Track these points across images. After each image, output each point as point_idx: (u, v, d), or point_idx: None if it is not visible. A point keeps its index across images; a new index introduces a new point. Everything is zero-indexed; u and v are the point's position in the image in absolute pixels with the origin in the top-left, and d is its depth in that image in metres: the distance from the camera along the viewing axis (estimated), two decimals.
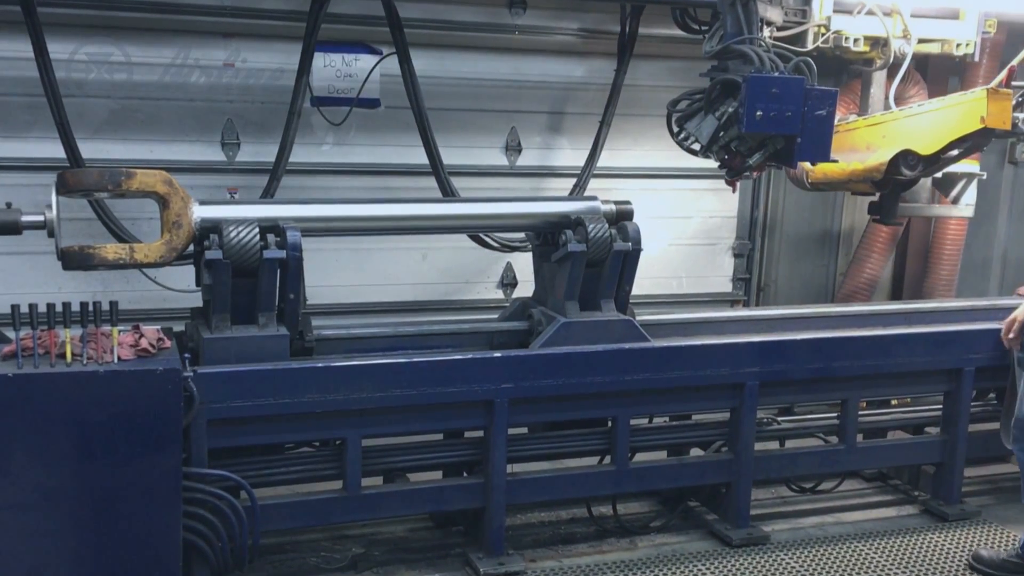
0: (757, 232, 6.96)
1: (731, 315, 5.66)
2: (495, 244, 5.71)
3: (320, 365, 4.20)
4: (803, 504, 5.46)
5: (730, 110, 4.52)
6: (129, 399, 3.72)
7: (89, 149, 5.12)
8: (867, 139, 5.65)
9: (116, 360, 3.74)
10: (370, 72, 5.72)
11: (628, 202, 4.86)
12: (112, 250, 4.03)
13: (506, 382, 4.41)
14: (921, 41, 5.75)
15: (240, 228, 4.07)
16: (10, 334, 3.76)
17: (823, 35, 5.48)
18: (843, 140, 5.72)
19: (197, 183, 5.25)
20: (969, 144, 5.36)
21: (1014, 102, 5.09)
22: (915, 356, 5.16)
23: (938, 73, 6.53)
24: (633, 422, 4.79)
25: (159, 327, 4.13)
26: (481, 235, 5.65)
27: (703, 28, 5.25)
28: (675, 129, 4.90)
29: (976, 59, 5.98)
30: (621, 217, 4.78)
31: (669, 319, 5.22)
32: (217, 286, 4.06)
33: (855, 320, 5.51)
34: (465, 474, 4.69)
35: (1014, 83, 5.14)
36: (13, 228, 3.94)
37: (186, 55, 5.47)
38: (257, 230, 4.09)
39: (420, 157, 5.50)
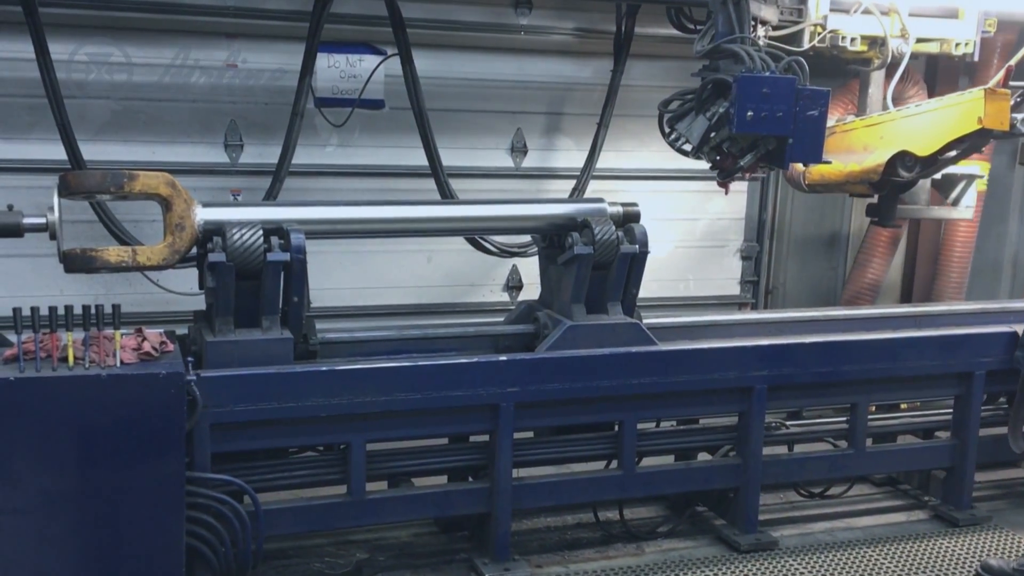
0: (765, 234, 6.93)
1: (739, 318, 5.65)
2: (494, 249, 5.68)
3: (324, 369, 4.18)
4: (812, 509, 5.43)
5: (721, 110, 4.46)
6: (132, 403, 3.69)
7: (91, 151, 5.11)
8: (864, 140, 5.61)
9: (118, 364, 3.72)
10: (372, 73, 5.69)
11: (635, 204, 4.83)
12: (114, 253, 4.01)
13: (512, 386, 4.38)
14: (919, 40, 5.71)
15: (244, 230, 4.05)
16: (12, 337, 3.73)
17: (819, 34, 5.44)
18: (840, 141, 5.69)
19: (200, 185, 5.25)
20: (967, 145, 5.29)
21: (1012, 102, 5.03)
22: (925, 360, 5.13)
23: (947, 74, 6.48)
24: (640, 426, 4.76)
25: (162, 330, 4.11)
26: (480, 240, 5.61)
27: (698, 27, 5.22)
28: (666, 130, 4.85)
29: (976, 58, 5.92)
30: (628, 219, 4.75)
31: (676, 322, 5.21)
32: (220, 289, 4.04)
33: (864, 323, 5.49)
34: (470, 479, 4.66)
35: (1012, 83, 5.08)
36: (14, 230, 3.92)
37: (188, 56, 5.45)
38: (261, 232, 4.08)
39: (425, 159, 5.48)
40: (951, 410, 5.40)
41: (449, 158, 5.69)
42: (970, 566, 4.79)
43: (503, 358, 4.46)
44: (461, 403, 4.34)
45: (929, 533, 5.17)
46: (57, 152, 4.95)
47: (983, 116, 4.96)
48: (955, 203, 6.29)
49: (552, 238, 4.81)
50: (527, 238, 5.74)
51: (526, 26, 5.90)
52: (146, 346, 3.85)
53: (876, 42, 5.61)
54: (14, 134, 5.24)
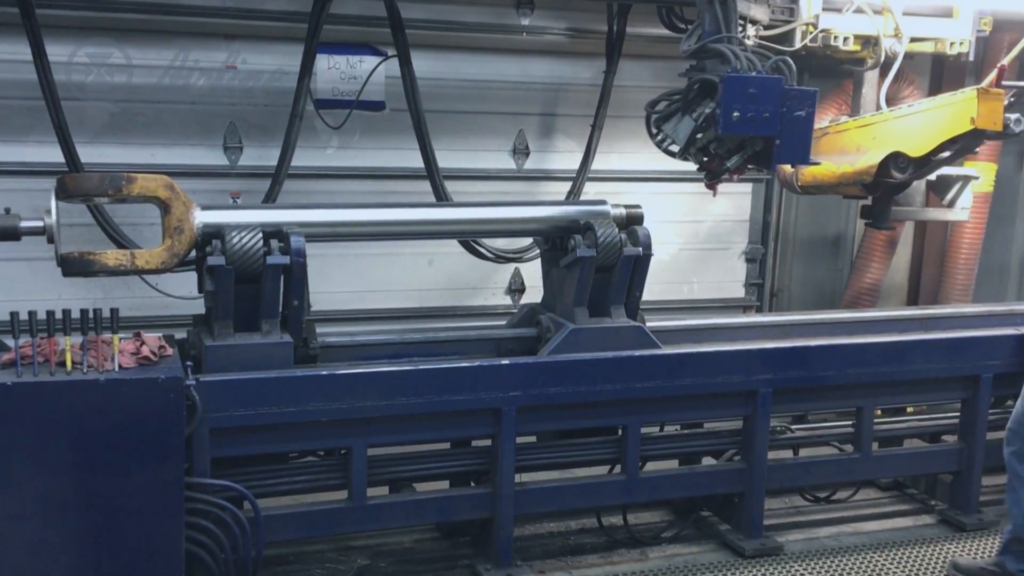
0: (769, 236, 6.90)
1: (743, 321, 5.63)
2: (489, 255, 5.64)
3: (324, 373, 4.15)
4: (817, 514, 5.40)
5: (707, 111, 4.40)
6: (130, 408, 3.66)
7: (89, 153, 5.09)
8: (857, 141, 5.56)
9: (117, 368, 3.69)
10: (370, 74, 5.66)
11: (638, 206, 4.80)
12: (113, 256, 3.99)
13: (514, 390, 4.35)
14: (914, 40, 5.66)
15: (243, 233, 4.04)
16: (9, 342, 3.70)
17: (811, 34, 5.40)
18: (833, 142, 5.65)
19: (199, 187, 5.21)
20: (960, 146, 5.21)
21: (1005, 102, 4.98)
22: (931, 363, 5.09)
23: (954, 74, 6.44)
24: (644, 430, 4.73)
25: (161, 334, 4.09)
26: (474, 245, 5.57)
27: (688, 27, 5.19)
28: (653, 131, 4.80)
29: (971, 58, 5.87)
30: (631, 221, 4.72)
31: (680, 325, 5.19)
32: (220, 292, 4.01)
33: (870, 326, 5.45)
34: (472, 484, 4.63)
35: (1005, 83, 5.03)
36: (12, 234, 3.89)
37: (187, 57, 5.43)
38: (260, 235, 4.06)
39: None
40: (958, 414, 5.36)
41: (452, 160, 5.66)
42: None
43: (505, 362, 4.43)
44: (463, 407, 4.31)
45: (936, 538, 5.13)
46: (55, 155, 4.92)
47: (976, 116, 4.89)
48: (951, 205, 6.23)
49: (555, 240, 4.78)
50: (525, 243, 5.72)
51: (528, 27, 5.87)
52: (145, 350, 3.83)
53: (869, 42, 5.57)
54: (11, 136, 5.21)
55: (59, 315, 3.67)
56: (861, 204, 5.98)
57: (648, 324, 4.78)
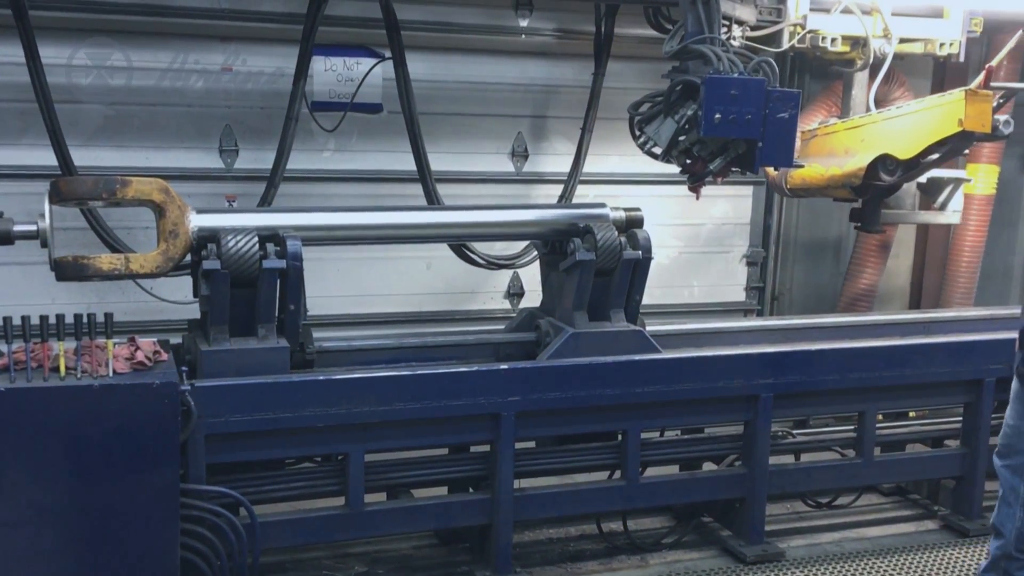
0: (770, 239, 6.88)
1: (744, 325, 5.61)
2: (481, 261, 5.60)
3: (321, 378, 4.14)
4: (819, 519, 5.38)
5: (689, 113, 4.35)
6: (125, 414, 3.64)
7: (84, 156, 5.07)
8: (846, 143, 5.52)
9: (111, 374, 3.67)
10: (365, 76, 5.63)
11: (638, 209, 4.78)
12: (107, 260, 3.98)
13: (513, 395, 4.33)
14: (903, 41, 5.62)
15: (239, 237, 4.02)
16: (2, 347, 3.68)
17: (799, 35, 5.36)
18: (822, 144, 5.62)
19: (194, 191, 5.22)
20: (948, 148, 5.14)
21: (994, 104, 4.94)
22: (934, 367, 5.07)
23: (956, 76, 6.41)
24: (644, 435, 4.71)
25: (155, 339, 4.06)
26: (466, 251, 5.54)
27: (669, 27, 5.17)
28: (636, 133, 4.74)
29: (962, 59, 5.81)
30: (631, 224, 4.71)
31: (681, 329, 5.18)
32: (215, 297, 4.00)
33: (872, 330, 5.46)
34: (471, 490, 4.61)
35: (993, 84, 4.98)
36: (5, 238, 3.88)
37: (183, 59, 5.41)
38: (256, 239, 4.05)
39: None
40: (960, 418, 5.34)
41: (450, 163, 5.63)
42: None
43: (504, 366, 4.40)
44: (461, 412, 4.29)
45: (939, 543, 5.11)
46: (49, 158, 4.89)
47: (963, 118, 4.84)
48: (942, 207, 6.18)
49: (554, 244, 4.77)
50: (518, 248, 5.70)
51: (527, 28, 5.84)
52: (139, 355, 3.80)
53: (858, 42, 5.53)
54: (5, 139, 5.19)
55: (53, 320, 3.63)
56: (851, 207, 5.95)
57: (648, 328, 4.78)
